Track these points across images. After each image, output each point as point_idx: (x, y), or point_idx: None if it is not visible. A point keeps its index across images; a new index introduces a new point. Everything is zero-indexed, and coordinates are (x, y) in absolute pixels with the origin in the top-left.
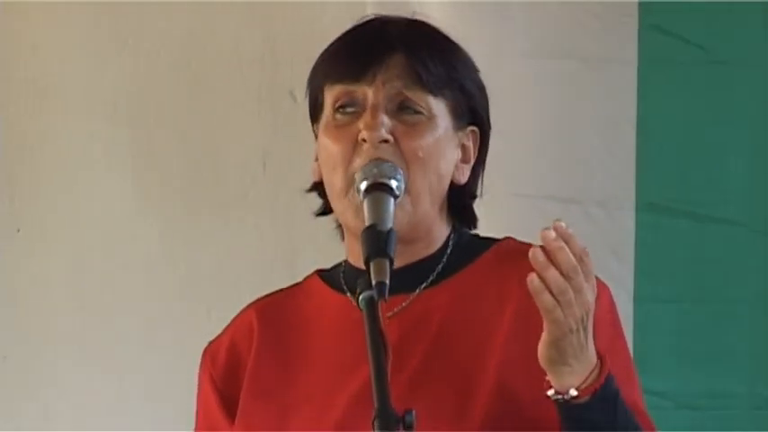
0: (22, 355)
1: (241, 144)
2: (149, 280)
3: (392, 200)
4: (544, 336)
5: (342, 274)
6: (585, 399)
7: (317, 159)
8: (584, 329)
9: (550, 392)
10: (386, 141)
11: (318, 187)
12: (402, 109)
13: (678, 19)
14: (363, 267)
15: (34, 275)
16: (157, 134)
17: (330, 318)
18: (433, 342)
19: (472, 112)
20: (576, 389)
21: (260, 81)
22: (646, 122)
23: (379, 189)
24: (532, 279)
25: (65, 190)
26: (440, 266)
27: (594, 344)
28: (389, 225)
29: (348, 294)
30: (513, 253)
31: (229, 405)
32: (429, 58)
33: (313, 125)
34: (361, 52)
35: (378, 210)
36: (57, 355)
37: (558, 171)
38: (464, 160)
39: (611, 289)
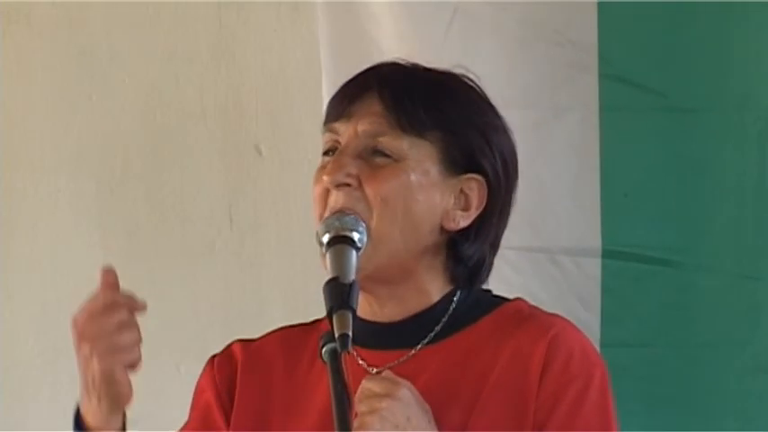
0: None
1: (207, 197)
2: None
3: (354, 252)
4: None
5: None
6: None
7: None
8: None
9: None
10: (347, 185)
11: None
12: (374, 152)
13: (638, 67)
14: (365, 318)
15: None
16: (123, 188)
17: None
18: None
19: (470, 159)
20: None
21: (224, 134)
22: (609, 170)
23: (340, 242)
24: None
25: (30, 246)
26: (439, 326)
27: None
28: (351, 277)
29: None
30: (515, 318)
31: (226, 414)
32: (408, 99)
33: None
34: (342, 94)
35: (340, 262)
36: (25, 415)
37: (527, 221)
38: (463, 208)
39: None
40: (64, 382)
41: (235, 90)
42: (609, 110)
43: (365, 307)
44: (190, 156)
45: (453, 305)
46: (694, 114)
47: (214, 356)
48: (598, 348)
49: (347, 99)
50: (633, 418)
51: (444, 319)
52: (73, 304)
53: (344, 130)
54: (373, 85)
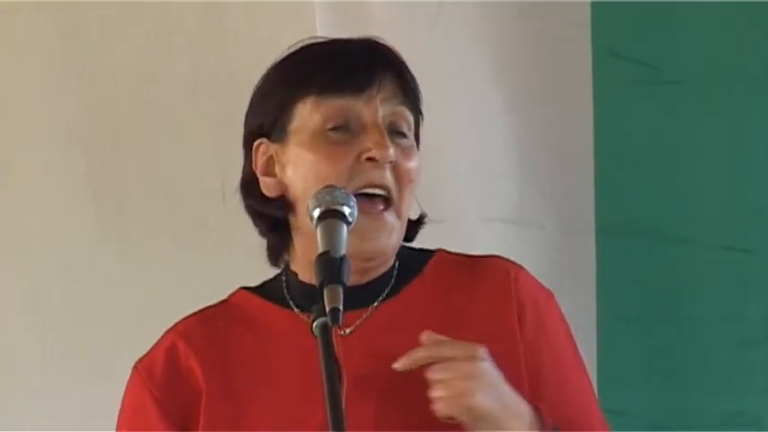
0: None
1: (200, 170)
2: (109, 307)
3: (345, 227)
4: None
5: (286, 290)
6: None
7: (269, 174)
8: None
9: None
10: (392, 162)
11: (274, 203)
12: (393, 132)
13: (631, 41)
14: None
15: None
16: (115, 162)
17: (282, 337)
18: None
19: (417, 139)
20: None
21: (217, 107)
22: (603, 145)
23: (332, 216)
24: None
25: (23, 221)
26: (393, 280)
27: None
28: (342, 252)
29: (296, 310)
30: (453, 265)
31: (173, 416)
32: (412, 81)
33: (271, 136)
34: (360, 66)
35: (331, 237)
36: (16, 384)
37: (520, 195)
38: None
39: (575, 312)
40: (53, 353)
41: (226, 63)
42: (602, 85)
43: None
44: (181, 129)
45: (397, 262)
46: (688, 86)
47: (136, 365)
48: (595, 325)
49: (363, 76)
50: (630, 392)
51: (394, 274)
52: (65, 278)
53: (364, 108)
54: (385, 64)
